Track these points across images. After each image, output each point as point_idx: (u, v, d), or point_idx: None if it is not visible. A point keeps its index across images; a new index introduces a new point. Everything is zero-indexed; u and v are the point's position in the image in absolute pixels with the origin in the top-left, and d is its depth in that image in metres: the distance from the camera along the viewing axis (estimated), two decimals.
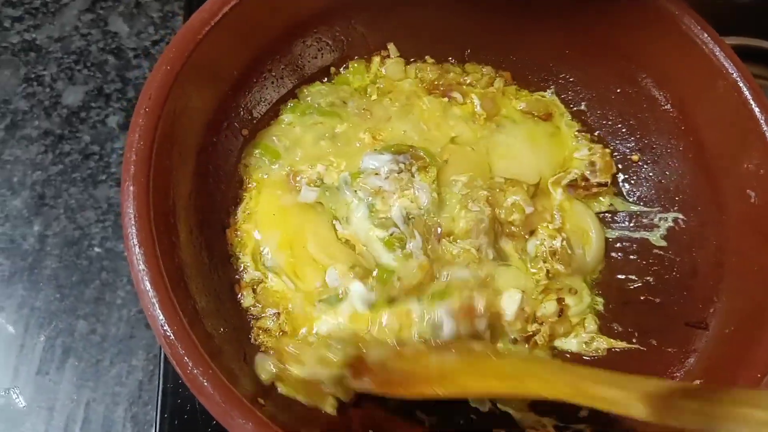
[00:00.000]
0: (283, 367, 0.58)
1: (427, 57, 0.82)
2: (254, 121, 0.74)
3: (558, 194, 0.75)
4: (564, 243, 0.72)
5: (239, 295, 0.67)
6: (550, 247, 0.71)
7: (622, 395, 0.49)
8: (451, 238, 0.69)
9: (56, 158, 0.90)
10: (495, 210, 0.71)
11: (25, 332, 0.80)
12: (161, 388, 0.70)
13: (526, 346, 0.69)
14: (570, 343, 0.70)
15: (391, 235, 0.67)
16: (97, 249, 0.85)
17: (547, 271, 0.71)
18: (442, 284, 0.67)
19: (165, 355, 0.70)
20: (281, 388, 0.59)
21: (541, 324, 0.69)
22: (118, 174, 0.89)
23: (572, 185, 0.76)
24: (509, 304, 0.67)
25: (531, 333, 0.69)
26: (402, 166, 0.69)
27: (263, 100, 0.75)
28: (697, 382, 0.60)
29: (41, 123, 0.93)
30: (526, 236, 0.72)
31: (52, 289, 0.82)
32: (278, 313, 0.66)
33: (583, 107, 0.80)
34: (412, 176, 0.69)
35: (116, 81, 0.97)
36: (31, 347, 0.79)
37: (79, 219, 0.87)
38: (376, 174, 0.69)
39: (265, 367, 0.59)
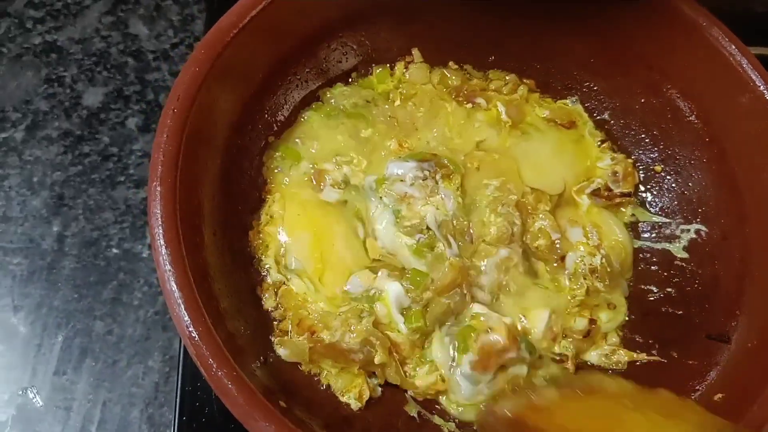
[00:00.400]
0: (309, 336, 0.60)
1: (450, 63, 0.82)
2: (278, 123, 0.75)
3: (584, 202, 0.75)
4: (603, 261, 0.71)
5: (261, 297, 0.67)
6: (590, 264, 0.71)
7: None
8: (484, 243, 0.69)
9: (75, 159, 0.91)
10: (524, 220, 0.70)
11: (43, 332, 0.80)
12: (180, 391, 0.69)
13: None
14: (590, 356, 0.70)
15: (418, 242, 0.67)
16: (114, 250, 0.85)
17: (587, 288, 0.70)
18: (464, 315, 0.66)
19: (183, 357, 0.70)
20: (304, 366, 0.60)
21: (569, 340, 0.69)
22: (137, 176, 0.90)
23: (595, 194, 0.75)
24: (537, 323, 0.67)
25: (559, 355, 0.68)
26: (427, 173, 0.69)
27: (287, 102, 0.75)
28: (719, 396, 0.59)
29: (61, 124, 0.93)
30: (555, 262, 0.72)
31: (70, 289, 0.82)
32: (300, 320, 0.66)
33: (606, 116, 0.80)
34: (437, 183, 0.69)
35: (135, 83, 0.97)
36: (48, 347, 0.79)
37: (97, 220, 0.87)
38: (402, 181, 0.69)
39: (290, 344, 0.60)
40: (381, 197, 0.69)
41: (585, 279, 0.71)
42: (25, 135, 0.92)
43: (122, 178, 0.90)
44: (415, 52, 0.81)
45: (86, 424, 0.75)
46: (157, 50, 1.00)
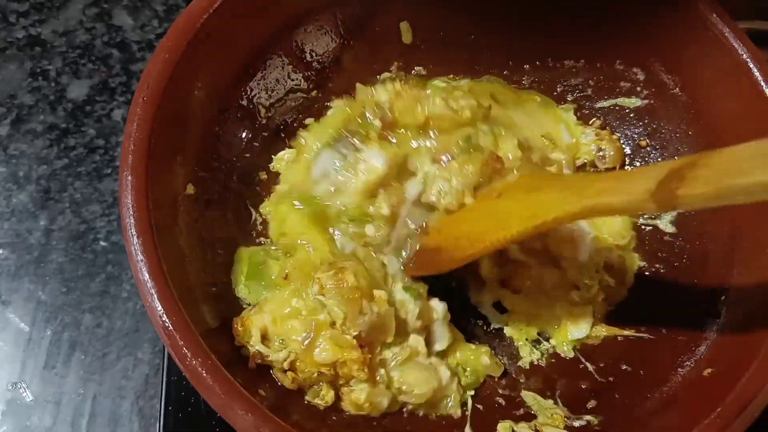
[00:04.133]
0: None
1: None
2: (258, 109, 0.74)
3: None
4: (620, 258, 0.70)
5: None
6: (605, 259, 0.70)
7: (629, 197, 0.49)
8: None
9: (61, 152, 0.90)
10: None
11: (31, 326, 0.79)
12: (165, 381, 0.69)
13: None
14: (572, 333, 0.69)
15: None
16: (102, 243, 0.85)
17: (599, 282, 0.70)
18: None
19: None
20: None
21: None
22: None
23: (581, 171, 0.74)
24: None
25: None
26: (344, 150, 0.68)
27: (266, 87, 0.74)
28: (708, 370, 0.58)
29: (46, 117, 0.92)
30: None
31: (58, 282, 0.82)
32: None
33: (589, 92, 0.79)
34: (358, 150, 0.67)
35: (121, 74, 0.96)
36: (38, 341, 0.79)
37: (84, 213, 0.86)
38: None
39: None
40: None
41: (598, 273, 0.70)
42: (10, 129, 0.91)
43: (109, 171, 0.89)
44: (403, 25, 0.79)
45: (77, 418, 0.75)
46: (142, 41, 0.99)
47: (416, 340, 0.63)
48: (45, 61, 0.97)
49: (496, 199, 0.62)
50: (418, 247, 0.65)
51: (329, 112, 0.77)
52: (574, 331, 0.68)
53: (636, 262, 0.73)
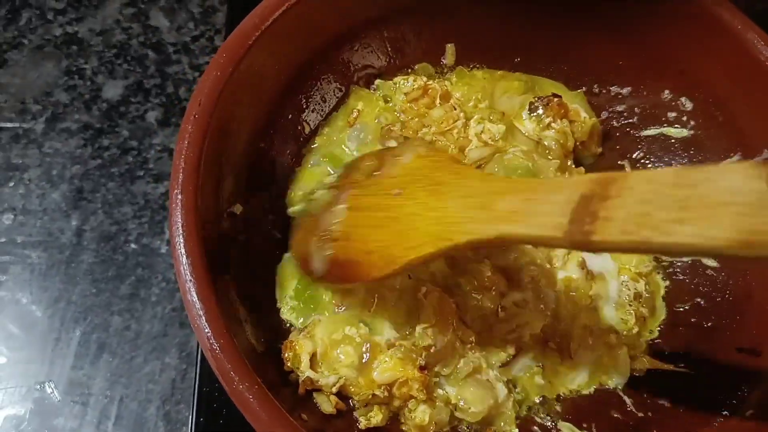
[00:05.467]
0: None
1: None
2: (302, 126, 0.74)
3: None
4: (647, 286, 0.69)
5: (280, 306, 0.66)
6: (634, 290, 0.69)
7: (539, 231, 0.46)
8: None
9: (95, 152, 0.90)
10: None
11: (60, 326, 0.80)
12: (197, 392, 0.69)
13: None
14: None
15: None
16: (133, 245, 0.85)
17: (635, 314, 0.69)
18: None
19: (201, 358, 0.70)
20: None
21: None
22: (156, 170, 0.89)
23: None
24: None
25: None
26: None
27: (311, 104, 0.74)
28: (750, 412, 0.58)
29: (81, 116, 0.93)
30: None
31: (88, 283, 0.82)
32: None
33: (634, 120, 0.78)
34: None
35: (156, 76, 0.96)
36: (66, 341, 0.79)
37: (116, 214, 0.87)
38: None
39: None
40: None
41: (630, 305, 0.69)
42: (45, 127, 0.92)
43: (141, 173, 0.89)
44: (449, 47, 0.79)
45: (103, 420, 0.75)
46: (178, 43, 0.99)
47: (477, 357, 0.63)
48: (81, 59, 0.97)
49: (396, 200, 0.58)
50: (328, 254, 0.60)
51: None
52: (613, 376, 0.67)
53: (661, 285, 0.72)
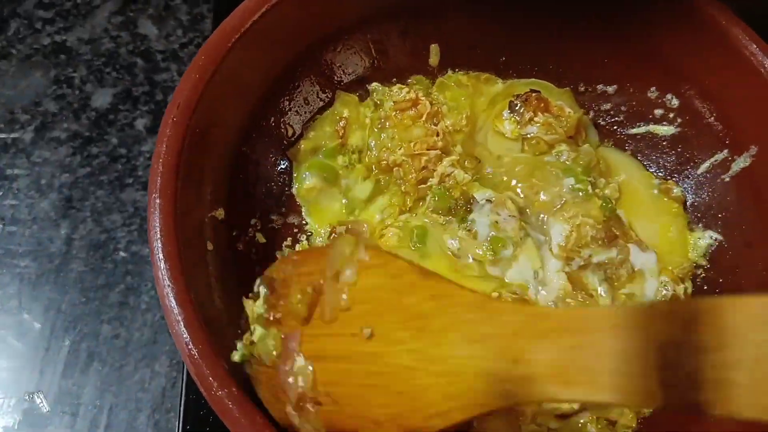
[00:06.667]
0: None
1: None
2: (285, 128, 0.73)
3: None
4: (686, 290, 0.68)
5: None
6: (673, 291, 0.67)
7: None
8: None
9: (84, 161, 0.90)
10: None
11: (50, 335, 0.79)
12: (184, 400, 0.69)
13: None
14: None
15: None
16: (122, 253, 0.84)
17: None
18: None
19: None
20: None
21: None
22: (145, 178, 0.89)
23: None
24: None
25: None
26: None
27: (294, 107, 0.74)
28: None
29: (70, 125, 0.93)
30: None
31: (78, 292, 0.82)
32: None
33: (621, 119, 0.77)
34: None
35: (144, 84, 0.96)
36: (56, 350, 0.79)
37: (105, 222, 0.86)
38: None
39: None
40: None
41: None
42: (34, 136, 0.91)
43: (130, 180, 0.89)
44: (433, 48, 0.78)
45: (92, 430, 0.75)
46: (167, 50, 0.99)
47: None
48: (70, 68, 0.97)
49: (370, 345, 0.45)
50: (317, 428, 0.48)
51: None
52: None
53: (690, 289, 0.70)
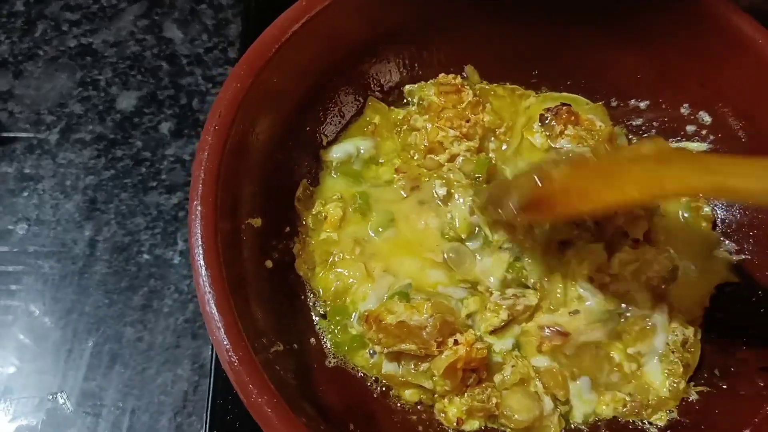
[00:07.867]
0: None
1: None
2: (320, 137, 0.74)
3: None
4: (696, 334, 0.68)
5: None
6: (683, 335, 0.67)
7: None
8: None
9: (108, 163, 0.91)
10: None
11: (73, 337, 0.80)
12: (210, 404, 0.69)
13: None
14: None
15: None
16: (146, 256, 0.85)
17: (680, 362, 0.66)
18: None
19: (215, 370, 0.70)
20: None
21: None
22: (168, 181, 0.89)
23: None
24: None
25: None
26: None
27: (329, 116, 0.75)
28: None
29: (95, 127, 0.93)
30: None
31: (101, 294, 0.82)
32: None
33: (653, 134, 0.77)
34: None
35: (169, 87, 0.97)
36: (79, 352, 0.79)
37: (129, 225, 0.87)
38: None
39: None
40: None
41: (674, 352, 0.66)
42: (60, 138, 0.92)
43: (154, 183, 0.89)
44: (469, 68, 0.80)
45: (115, 431, 0.75)
46: (191, 54, 1.00)
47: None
48: (95, 71, 0.97)
49: (622, 164, 0.58)
50: (527, 196, 0.61)
51: None
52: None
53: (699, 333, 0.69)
